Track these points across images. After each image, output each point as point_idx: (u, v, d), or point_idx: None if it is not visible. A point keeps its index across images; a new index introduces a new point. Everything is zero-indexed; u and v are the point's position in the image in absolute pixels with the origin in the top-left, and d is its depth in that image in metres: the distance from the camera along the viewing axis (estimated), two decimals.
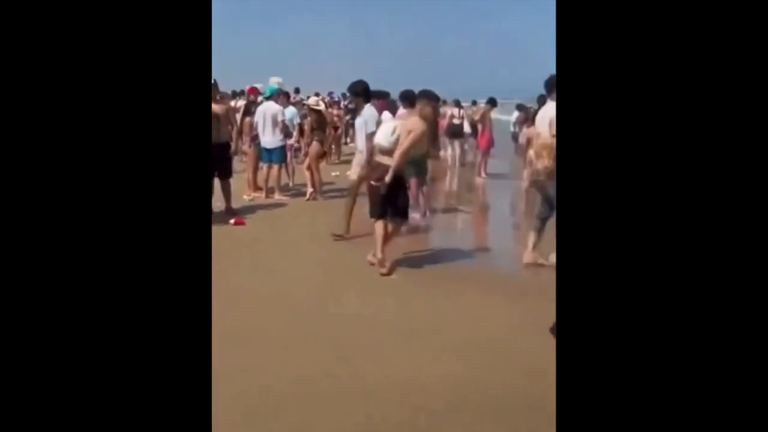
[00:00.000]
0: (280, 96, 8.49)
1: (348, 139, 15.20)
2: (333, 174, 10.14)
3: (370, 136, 5.19)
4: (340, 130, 12.46)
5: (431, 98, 5.13)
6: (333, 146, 12.16)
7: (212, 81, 7.01)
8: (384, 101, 7.99)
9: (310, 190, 7.93)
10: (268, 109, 7.71)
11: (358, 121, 5.87)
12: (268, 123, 7.61)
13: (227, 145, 6.92)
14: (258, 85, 9.60)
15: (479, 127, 10.82)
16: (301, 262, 4.95)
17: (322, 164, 8.92)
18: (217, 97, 7.14)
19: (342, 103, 15.35)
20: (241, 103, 9.43)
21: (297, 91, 13.51)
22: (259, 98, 8.69)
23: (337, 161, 12.05)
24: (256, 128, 7.73)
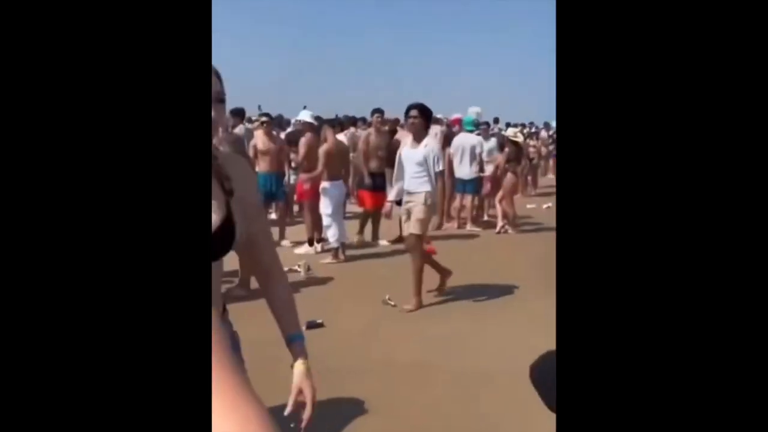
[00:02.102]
0: (482, 127, 8.64)
1: (551, 174, 14.79)
2: (528, 207, 9.94)
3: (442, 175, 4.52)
4: (534, 161, 12.16)
5: None
6: (530, 178, 11.93)
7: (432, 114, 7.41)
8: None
9: (500, 222, 7.87)
10: (465, 140, 7.87)
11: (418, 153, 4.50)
12: (466, 154, 7.76)
13: None
14: (459, 115, 9.87)
15: None
16: (486, 297, 4.93)
17: (517, 196, 8.80)
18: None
19: (545, 133, 15.00)
20: (434, 129, 9.76)
21: (496, 120, 13.55)
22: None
23: (533, 194, 11.77)
24: (452, 158, 7.93)
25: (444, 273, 4.85)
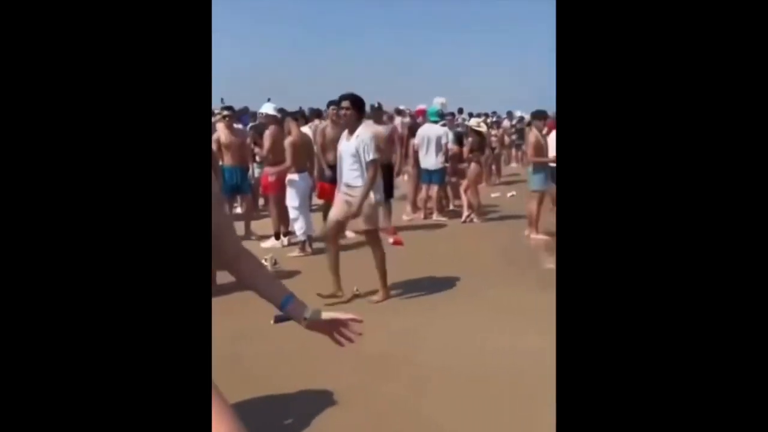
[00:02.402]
0: (448, 117, 8.72)
1: (515, 162, 15.00)
2: (493, 195, 10.07)
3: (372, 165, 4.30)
4: (497, 150, 12.31)
5: None
6: (494, 167, 12.08)
7: (377, 104, 7.41)
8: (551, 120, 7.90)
9: (466, 212, 7.97)
10: (430, 130, 7.92)
11: (349, 146, 4.43)
12: (431, 145, 7.81)
13: (390, 166, 7.26)
14: (423, 106, 9.91)
15: None
16: (457, 286, 5.01)
17: (482, 186, 8.91)
18: (384, 119, 7.56)
19: (507, 123, 15.19)
20: (398, 121, 9.80)
21: (460, 111, 13.65)
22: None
23: (497, 182, 11.93)
24: (417, 149, 7.98)
25: (336, 278, 4.63)
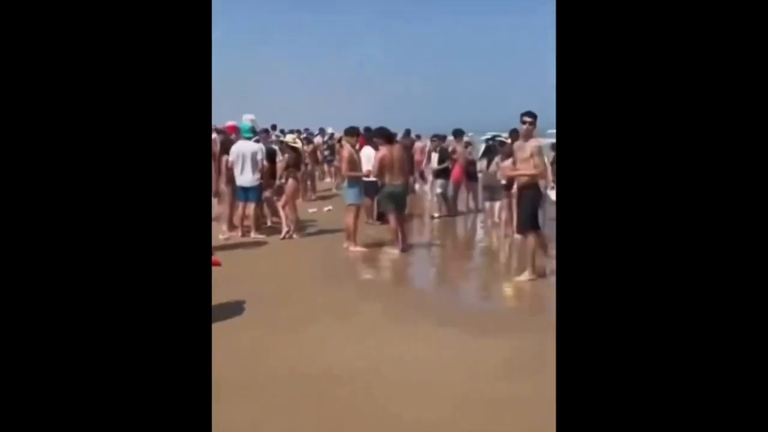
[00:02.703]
0: (262, 134, 8.62)
1: (329, 177, 15.38)
2: (310, 211, 10.21)
3: None
4: (309, 167, 12.53)
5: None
6: (309, 183, 12.26)
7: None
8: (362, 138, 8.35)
9: (285, 228, 7.97)
10: (245, 147, 7.76)
11: None
12: (247, 162, 7.66)
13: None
14: (233, 122, 9.67)
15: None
16: (281, 301, 4.97)
17: (298, 201, 8.99)
18: None
19: (320, 139, 15.55)
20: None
21: (273, 127, 13.62)
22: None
23: (313, 198, 12.12)
24: (232, 167, 7.77)
25: None
